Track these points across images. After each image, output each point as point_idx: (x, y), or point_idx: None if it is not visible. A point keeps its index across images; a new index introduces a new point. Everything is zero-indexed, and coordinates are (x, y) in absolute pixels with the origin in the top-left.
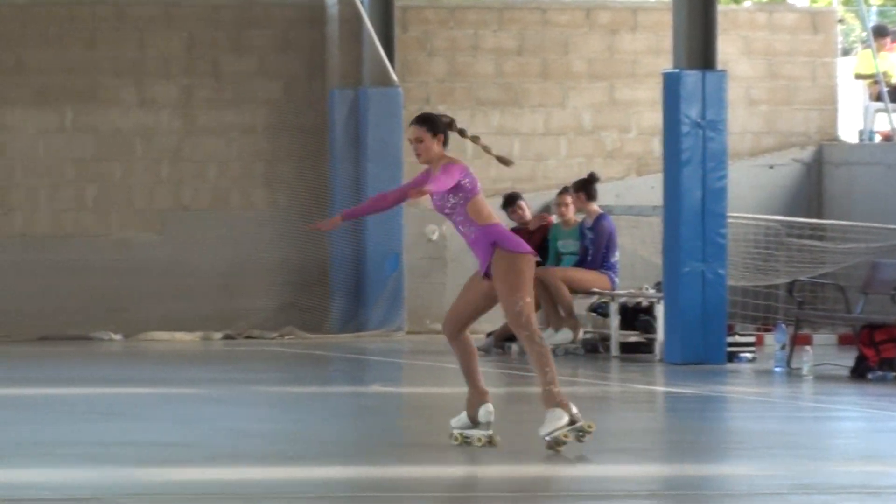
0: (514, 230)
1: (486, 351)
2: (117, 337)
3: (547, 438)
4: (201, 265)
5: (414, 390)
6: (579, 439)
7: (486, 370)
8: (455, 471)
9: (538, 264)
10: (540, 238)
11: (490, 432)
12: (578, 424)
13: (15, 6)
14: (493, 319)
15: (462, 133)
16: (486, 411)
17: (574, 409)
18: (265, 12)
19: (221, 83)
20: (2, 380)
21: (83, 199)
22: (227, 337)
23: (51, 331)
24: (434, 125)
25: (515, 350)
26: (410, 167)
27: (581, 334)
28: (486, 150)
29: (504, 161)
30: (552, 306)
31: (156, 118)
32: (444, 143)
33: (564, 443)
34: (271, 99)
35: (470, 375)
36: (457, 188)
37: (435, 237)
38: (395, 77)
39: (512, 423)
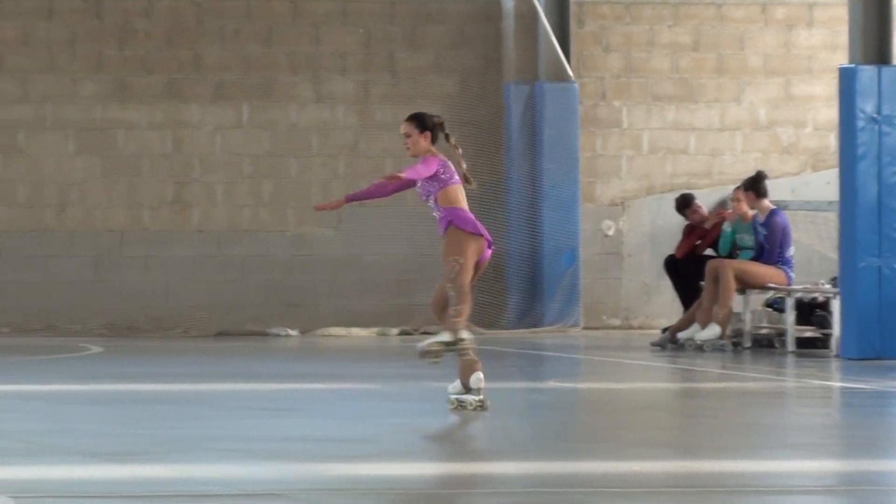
0: (689, 228)
1: (661, 346)
2: (294, 333)
3: (420, 347)
4: (377, 261)
5: (590, 386)
6: (464, 406)
7: (660, 365)
8: (631, 466)
9: (711, 257)
10: (716, 233)
11: (481, 397)
12: (473, 396)
13: (192, 3)
14: (669, 314)
15: (447, 138)
16: (477, 378)
17: (465, 339)
18: (441, 7)
19: (397, 78)
20: (180, 375)
21: (259, 194)
22: (404, 333)
23: (228, 326)
24: (422, 123)
25: (691, 346)
26: (587, 162)
27: (729, 332)
28: (459, 160)
29: (467, 180)
30: (711, 301)
31: (332, 114)
32: (433, 139)
33: (436, 360)
34: (447, 94)
35: None
36: (433, 178)
37: (611, 232)
38: (570, 72)
39: (685, 417)
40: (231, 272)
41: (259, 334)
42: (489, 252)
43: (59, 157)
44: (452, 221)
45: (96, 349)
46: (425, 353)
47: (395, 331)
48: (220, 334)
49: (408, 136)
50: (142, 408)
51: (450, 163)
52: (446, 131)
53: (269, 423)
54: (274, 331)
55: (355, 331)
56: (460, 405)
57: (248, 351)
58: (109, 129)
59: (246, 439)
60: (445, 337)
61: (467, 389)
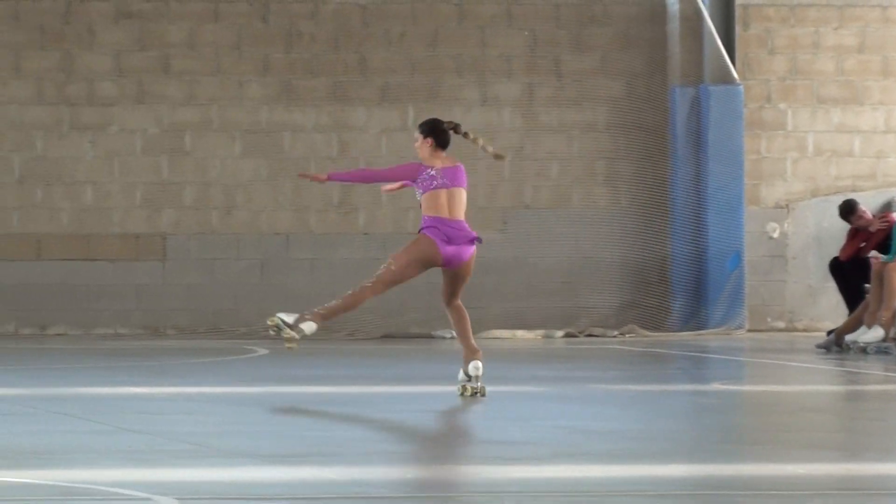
0: (853, 231)
1: (826, 348)
2: None
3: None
4: (542, 263)
5: (755, 388)
6: (463, 393)
7: (825, 367)
8: (795, 469)
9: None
10: (881, 236)
11: (480, 384)
12: (289, 335)
13: (358, 5)
14: (834, 317)
15: (465, 136)
16: (475, 366)
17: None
18: (606, 10)
19: (562, 81)
20: (345, 378)
21: None
22: (569, 335)
23: (393, 329)
24: (424, 129)
25: (854, 347)
26: (751, 165)
27: (893, 334)
28: (484, 149)
29: (498, 156)
30: (878, 303)
31: (497, 116)
32: (437, 144)
33: (284, 338)
34: (612, 97)
35: (463, 336)
36: (416, 183)
37: (776, 235)
38: (735, 75)
39: (850, 419)
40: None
41: (424, 337)
42: (461, 260)
43: (225, 160)
44: (422, 227)
45: (262, 351)
46: (271, 327)
47: (560, 333)
48: (386, 337)
49: (415, 140)
50: (307, 410)
51: (440, 172)
52: (462, 132)
53: (434, 425)
54: (439, 333)
55: (520, 333)
56: (463, 391)
57: (414, 354)
58: (275, 131)
59: (411, 441)
60: (283, 324)
61: (467, 377)
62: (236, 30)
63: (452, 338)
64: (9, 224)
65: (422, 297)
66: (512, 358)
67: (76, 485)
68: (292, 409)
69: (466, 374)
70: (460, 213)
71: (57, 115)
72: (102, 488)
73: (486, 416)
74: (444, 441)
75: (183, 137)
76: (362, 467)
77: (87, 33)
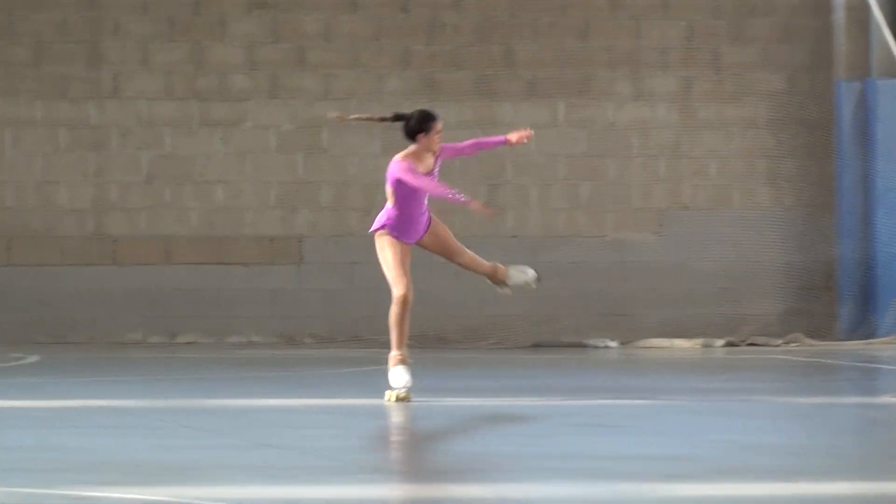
0: None
1: None
2: (613, 344)
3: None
4: (701, 268)
5: None
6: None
7: None
8: None
9: None
10: None
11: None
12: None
13: None
14: None
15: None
16: (517, 270)
17: None
18: (767, 0)
19: (721, 75)
20: (494, 389)
21: (576, 197)
22: (730, 344)
23: (544, 337)
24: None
25: None
26: None
27: None
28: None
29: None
30: None
31: (652, 112)
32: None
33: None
34: (774, 91)
35: (479, 265)
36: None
37: None
38: None
39: None
40: (547, 280)
41: (577, 346)
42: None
43: (364, 157)
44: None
45: None
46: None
47: (720, 342)
48: (536, 346)
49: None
50: (453, 424)
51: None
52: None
53: (590, 440)
54: (592, 342)
55: (678, 342)
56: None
57: (566, 363)
58: None
59: (565, 457)
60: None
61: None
62: (375, 21)
63: (607, 347)
64: (136, 226)
65: (573, 304)
66: (670, 368)
67: (208, 502)
68: (436, 423)
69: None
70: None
71: (186, 111)
72: None
73: (642, 430)
74: (599, 456)
75: (319, 134)
76: (512, 484)
77: (219, 24)
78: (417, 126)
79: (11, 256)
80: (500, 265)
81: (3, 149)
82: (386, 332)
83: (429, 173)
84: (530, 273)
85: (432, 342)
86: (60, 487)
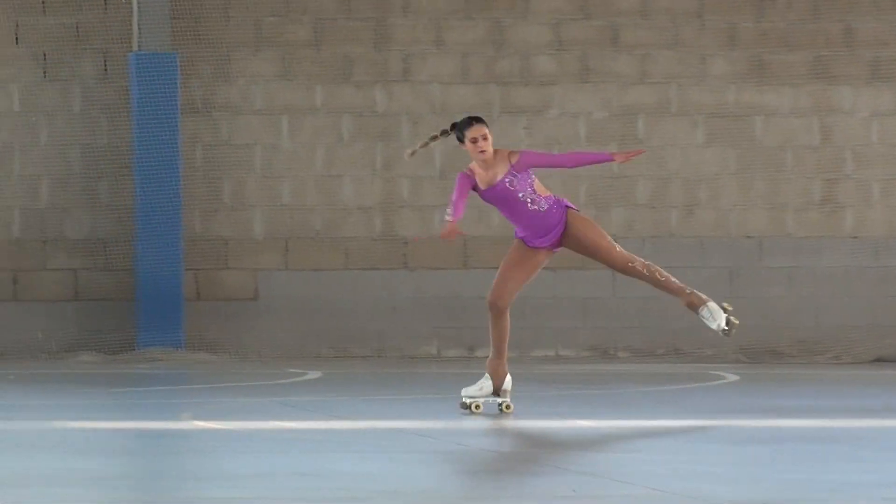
0: None
1: None
2: None
3: None
4: None
5: None
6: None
7: None
8: None
9: None
10: None
11: (507, 399)
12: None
13: None
14: None
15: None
16: (509, 381)
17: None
18: None
19: None
20: (831, 409)
21: None
22: None
23: (887, 351)
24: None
25: None
26: None
27: None
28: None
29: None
30: None
31: None
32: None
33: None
34: None
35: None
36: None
37: None
38: None
39: None
40: (891, 286)
41: None
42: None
43: (686, 149)
44: (567, 206)
45: (731, 377)
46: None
47: None
48: (878, 360)
49: (486, 138)
50: (786, 448)
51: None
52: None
53: None
54: None
55: None
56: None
57: None
58: (745, 115)
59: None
60: None
61: (497, 393)
62: None
63: None
64: (430, 225)
65: None
66: None
67: None
68: (766, 447)
69: (497, 390)
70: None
71: (486, 96)
72: None
73: None
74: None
75: (635, 122)
76: None
77: (521, 0)
78: (457, 135)
79: (289, 260)
80: (696, 292)
81: (279, 138)
82: (709, 345)
83: (492, 186)
84: (719, 320)
85: (763, 356)
86: None
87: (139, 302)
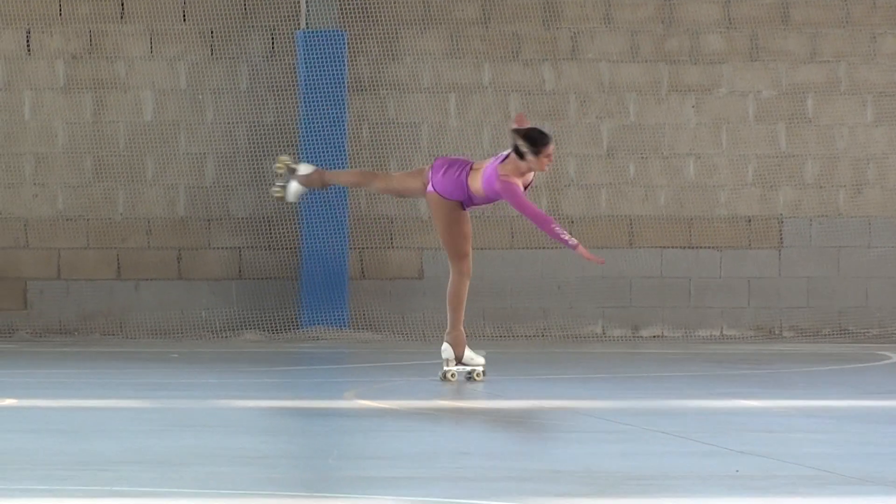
0: None
1: None
2: None
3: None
4: None
5: None
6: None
7: None
8: None
9: None
10: None
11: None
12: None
13: None
14: None
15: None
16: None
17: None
18: None
19: None
20: None
21: None
22: None
23: None
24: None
25: None
26: None
27: None
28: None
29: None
30: None
31: None
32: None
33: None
34: None
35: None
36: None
37: None
38: None
39: None
40: None
41: None
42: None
43: (855, 128)
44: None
45: None
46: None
47: None
48: None
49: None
50: None
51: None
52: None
53: None
54: None
55: None
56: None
57: None
58: None
59: None
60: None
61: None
62: None
63: None
64: (595, 204)
65: None
66: None
67: None
68: None
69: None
70: None
71: (654, 75)
72: None
73: None
74: None
75: (804, 101)
76: None
77: None
78: (530, 148)
79: None
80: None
81: (446, 117)
82: (876, 324)
83: (524, 186)
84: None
85: None
86: (511, 499)
87: (303, 281)
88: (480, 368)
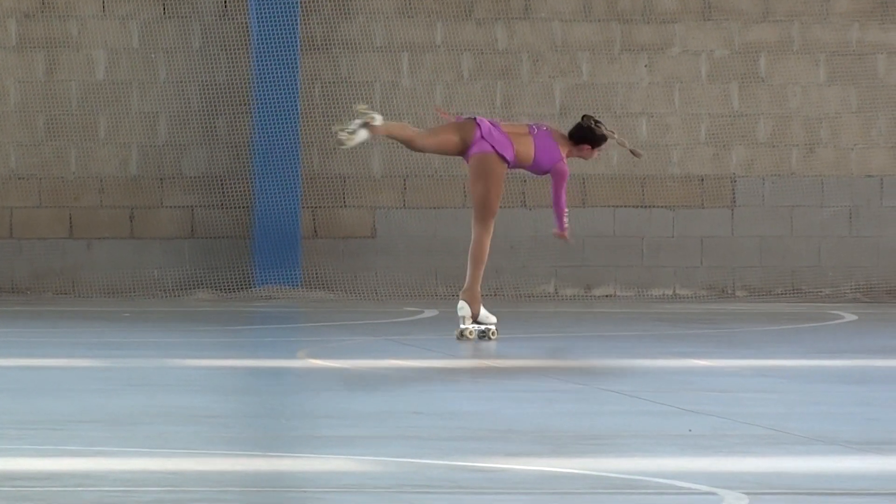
0: None
1: None
2: None
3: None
4: None
5: None
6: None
7: None
8: None
9: None
10: None
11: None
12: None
13: None
14: None
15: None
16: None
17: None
18: None
19: None
20: None
21: None
22: None
23: None
24: None
25: None
26: None
27: None
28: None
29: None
30: None
31: None
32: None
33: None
34: None
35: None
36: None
37: None
38: None
39: None
40: None
41: None
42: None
43: (808, 88)
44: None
45: (849, 317)
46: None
47: None
48: None
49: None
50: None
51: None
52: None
53: None
54: None
55: None
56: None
57: None
58: (867, 53)
59: None
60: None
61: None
62: None
63: None
64: None
65: None
66: None
67: (627, 476)
68: (880, 388)
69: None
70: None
71: (607, 34)
72: (657, 480)
73: None
74: None
75: (757, 60)
76: None
77: None
78: (594, 138)
79: (407, 198)
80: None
81: (398, 76)
82: (829, 284)
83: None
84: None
85: (881, 296)
86: (464, 458)
87: (256, 240)
88: (494, 327)
